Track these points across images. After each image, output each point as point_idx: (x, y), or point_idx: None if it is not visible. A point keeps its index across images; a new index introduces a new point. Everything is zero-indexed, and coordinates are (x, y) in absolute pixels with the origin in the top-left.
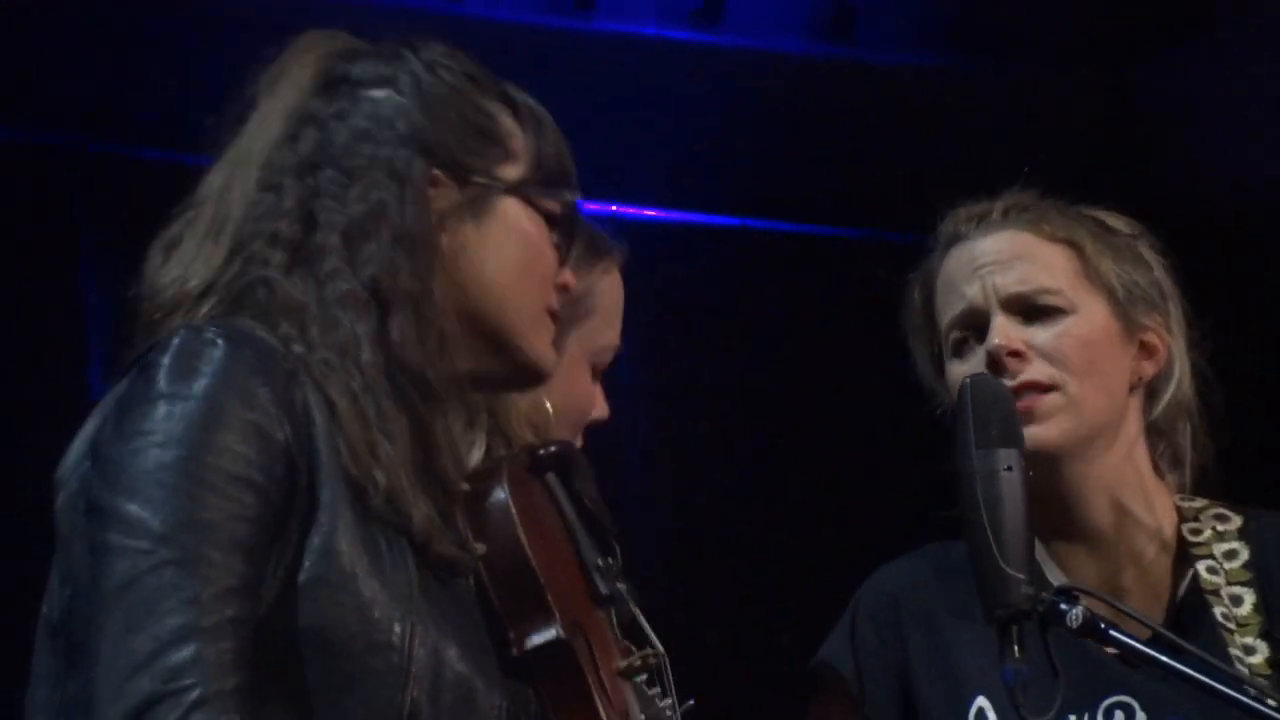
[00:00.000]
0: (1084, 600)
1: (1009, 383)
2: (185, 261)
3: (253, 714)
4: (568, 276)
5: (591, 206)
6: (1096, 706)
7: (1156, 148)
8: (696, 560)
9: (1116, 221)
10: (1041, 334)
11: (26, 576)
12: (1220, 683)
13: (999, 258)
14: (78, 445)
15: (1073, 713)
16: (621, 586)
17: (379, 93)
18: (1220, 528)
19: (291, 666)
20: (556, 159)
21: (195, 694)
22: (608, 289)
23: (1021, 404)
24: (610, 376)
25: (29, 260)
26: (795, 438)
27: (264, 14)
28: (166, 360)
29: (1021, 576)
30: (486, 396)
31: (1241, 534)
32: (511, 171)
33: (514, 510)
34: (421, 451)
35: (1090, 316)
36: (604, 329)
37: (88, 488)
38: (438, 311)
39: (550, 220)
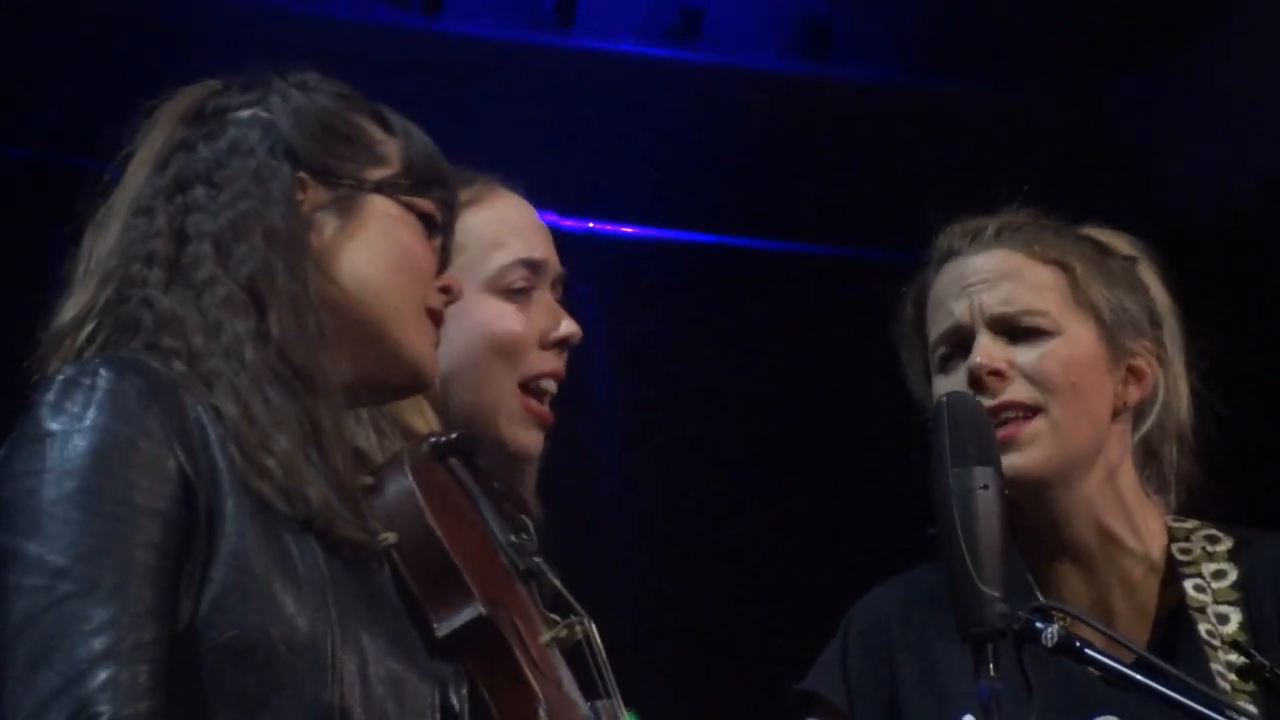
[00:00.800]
0: (1063, 619)
1: (989, 402)
2: (61, 309)
3: None
4: (450, 279)
5: (569, 223)
6: None
7: (1137, 165)
8: (677, 573)
9: (1116, 242)
10: (1025, 354)
11: None
12: (1197, 702)
13: (988, 276)
14: None
15: None
16: (538, 560)
17: (245, 113)
18: (1210, 548)
19: (220, 677)
20: (426, 162)
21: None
22: (476, 218)
23: (1004, 431)
24: (588, 391)
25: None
26: (776, 452)
27: (242, 32)
28: (51, 397)
29: (996, 594)
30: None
31: (1231, 555)
32: (379, 173)
33: (419, 495)
34: (311, 441)
35: (1075, 339)
36: (487, 253)
37: None
38: (314, 306)
39: (427, 222)
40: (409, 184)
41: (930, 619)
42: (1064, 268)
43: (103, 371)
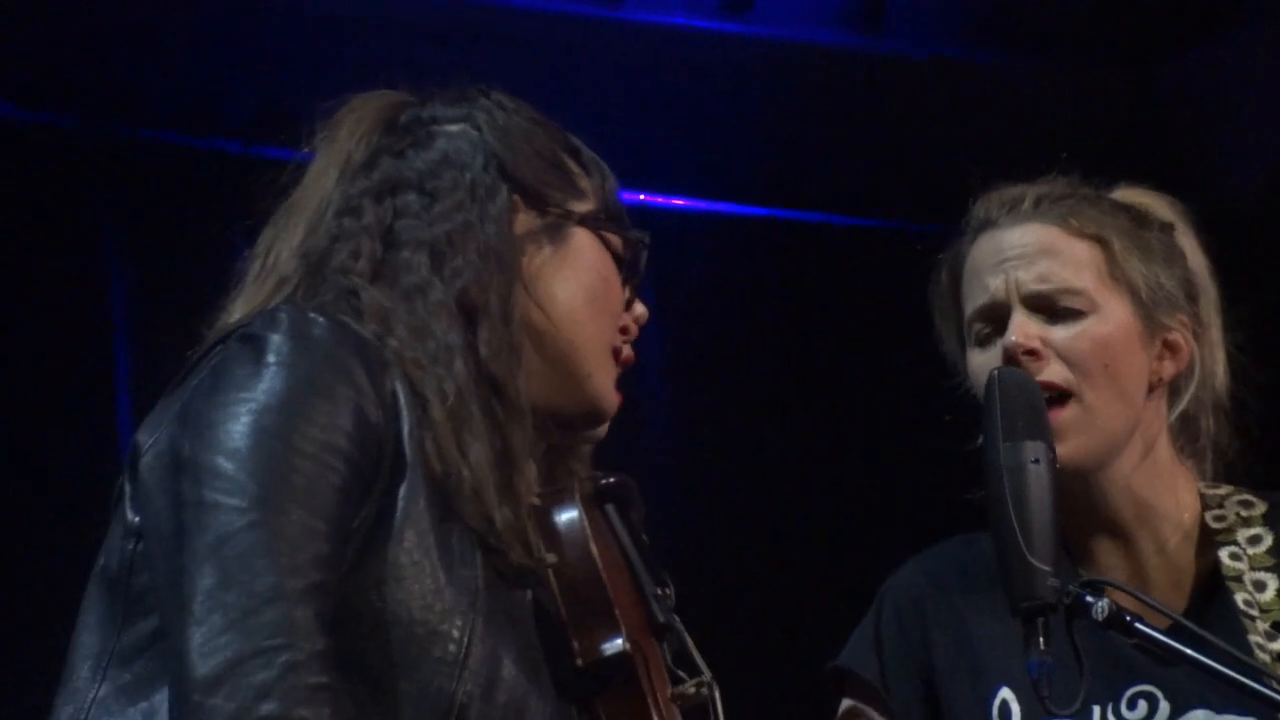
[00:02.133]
0: (1109, 592)
1: None
2: (230, 306)
3: (337, 679)
4: (629, 320)
5: (620, 195)
6: (1120, 696)
7: (1184, 142)
8: (720, 540)
9: (1154, 206)
10: (1060, 333)
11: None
12: (1243, 675)
13: (1024, 251)
14: (168, 406)
15: (1096, 703)
16: (675, 618)
17: (455, 127)
18: (1244, 513)
19: (354, 642)
20: (617, 200)
21: (288, 655)
22: None
23: None
24: (638, 365)
25: (53, 244)
26: (823, 426)
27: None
28: (272, 333)
29: (1048, 569)
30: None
31: (1266, 519)
32: (582, 206)
33: (586, 524)
34: (503, 460)
35: (1111, 317)
36: None
37: (177, 445)
38: (519, 328)
39: (616, 259)
40: (607, 220)
41: (964, 592)
42: (1101, 243)
43: (321, 320)
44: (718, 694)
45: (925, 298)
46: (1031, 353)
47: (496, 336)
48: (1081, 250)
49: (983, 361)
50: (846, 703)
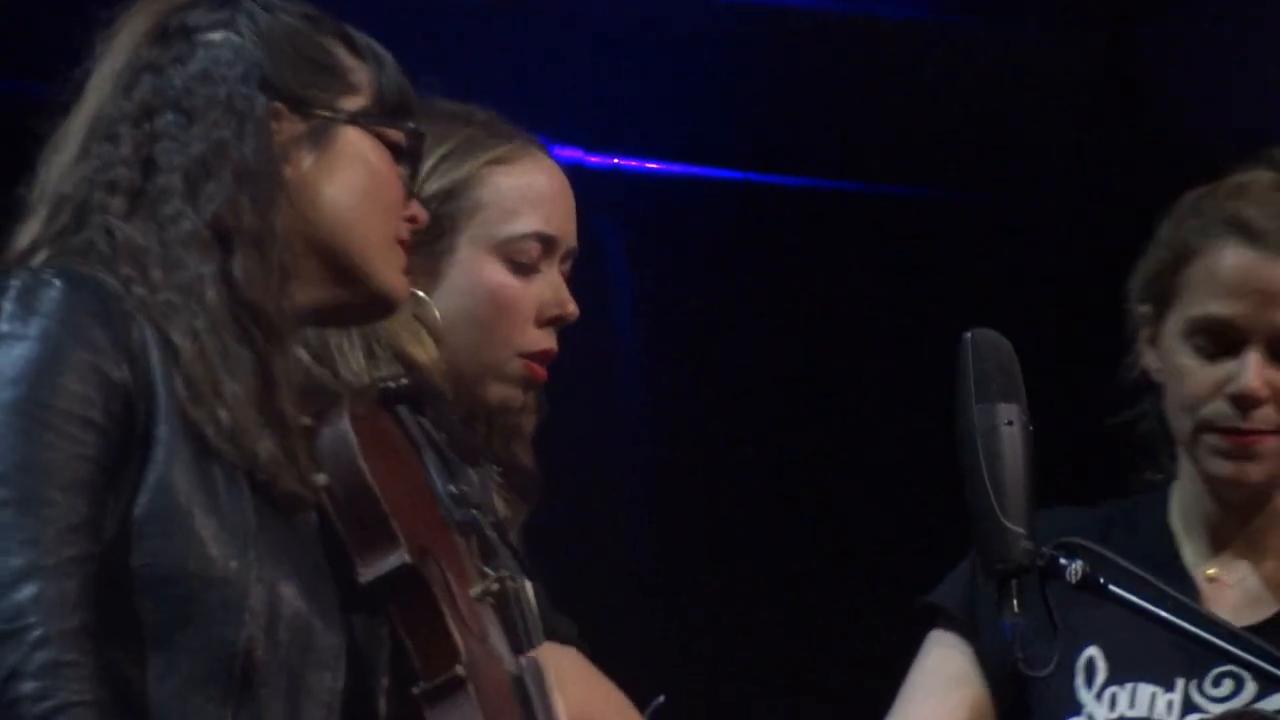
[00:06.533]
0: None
1: (1242, 424)
2: (16, 234)
3: (94, 653)
4: (416, 209)
5: (595, 159)
6: (1205, 674)
7: (1157, 106)
8: (695, 514)
9: None
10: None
11: None
12: (1214, 636)
13: None
14: None
15: (1180, 676)
16: (477, 513)
17: (216, 35)
18: None
19: (129, 604)
20: (397, 92)
21: (37, 633)
22: (503, 180)
23: (1243, 440)
24: (611, 331)
25: None
26: (799, 393)
27: None
28: (4, 304)
29: (1021, 531)
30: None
31: None
32: (352, 103)
33: (353, 439)
34: (263, 389)
35: None
36: (503, 219)
37: None
38: (281, 247)
39: (396, 151)
40: (380, 114)
41: None
42: None
43: (56, 281)
44: (526, 585)
45: (904, 260)
46: (1261, 401)
47: (253, 260)
48: None
49: (1192, 368)
50: (937, 633)
